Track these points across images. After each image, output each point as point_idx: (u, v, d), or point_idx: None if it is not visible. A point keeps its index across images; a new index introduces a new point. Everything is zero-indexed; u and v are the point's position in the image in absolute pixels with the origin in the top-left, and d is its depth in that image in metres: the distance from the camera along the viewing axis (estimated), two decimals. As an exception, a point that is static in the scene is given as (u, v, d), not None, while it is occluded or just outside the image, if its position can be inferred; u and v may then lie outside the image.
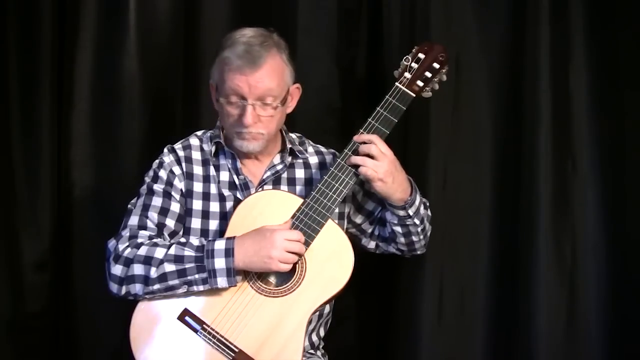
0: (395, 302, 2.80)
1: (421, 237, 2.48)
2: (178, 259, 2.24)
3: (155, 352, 2.25)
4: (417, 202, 2.41)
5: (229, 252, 2.22)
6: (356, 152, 2.32)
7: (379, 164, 2.30)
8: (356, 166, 2.32)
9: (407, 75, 2.40)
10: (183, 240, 2.32)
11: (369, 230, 2.53)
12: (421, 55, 2.42)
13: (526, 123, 2.69)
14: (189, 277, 2.23)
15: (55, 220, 2.88)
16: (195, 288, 2.24)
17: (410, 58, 2.42)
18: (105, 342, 2.81)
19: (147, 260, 2.24)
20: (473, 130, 2.75)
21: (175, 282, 2.24)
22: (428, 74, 2.41)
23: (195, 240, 2.29)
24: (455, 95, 2.75)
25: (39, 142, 2.85)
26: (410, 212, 2.39)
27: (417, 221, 2.42)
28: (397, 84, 2.39)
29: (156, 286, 2.24)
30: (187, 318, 2.26)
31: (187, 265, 2.24)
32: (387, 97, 2.37)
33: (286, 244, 2.22)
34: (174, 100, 2.90)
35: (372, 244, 2.55)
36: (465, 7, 2.73)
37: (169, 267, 2.23)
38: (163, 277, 2.24)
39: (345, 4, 2.88)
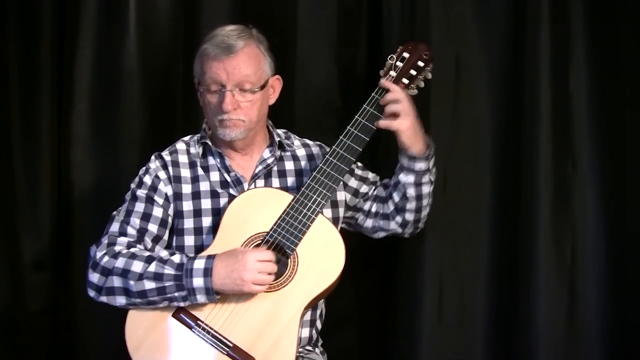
0: (395, 302, 2.80)
1: (429, 201, 2.49)
2: (157, 277, 2.26)
3: (151, 350, 2.26)
4: (434, 159, 2.46)
5: (207, 272, 2.24)
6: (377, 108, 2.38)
7: (405, 110, 2.36)
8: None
9: (392, 73, 2.45)
10: (165, 254, 2.32)
11: (366, 208, 2.54)
12: (406, 55, 2.46)
13: (526, 123, 2.68)
14: (168, 295, 2.26)
15: (55, 220, 2.89)
16: (175, 303, 2.27)
17: (395, 57, 2.46)
18: (105, 342, 2.82)
19: (125, 274, 2.27)
20: (473, 130, 2.75)
21: (156, 298, 2.27)
22: (413, 72, 2.45)
23: (176, 257, 2.29)
24: (455, 95, 2.75)
25: (39, 142, 2.85)
26: (431, 164, 2.43)
27: (432, 178, 2.46)
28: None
29: (137, 300, 2.27)
30: (181, 315, 2.28)
31: (167, 284, 2.26)
32: (372, 94, 2.42)
33: (258, 265, 2.23)
34: (174, 100, 2.90)
35: (369, 223, 2.55)
36: (465, 7, 2.73)
37: (149, 285, 2.26)
38: (143, 294, 2.26)
39: (345, 4, 2.88)
